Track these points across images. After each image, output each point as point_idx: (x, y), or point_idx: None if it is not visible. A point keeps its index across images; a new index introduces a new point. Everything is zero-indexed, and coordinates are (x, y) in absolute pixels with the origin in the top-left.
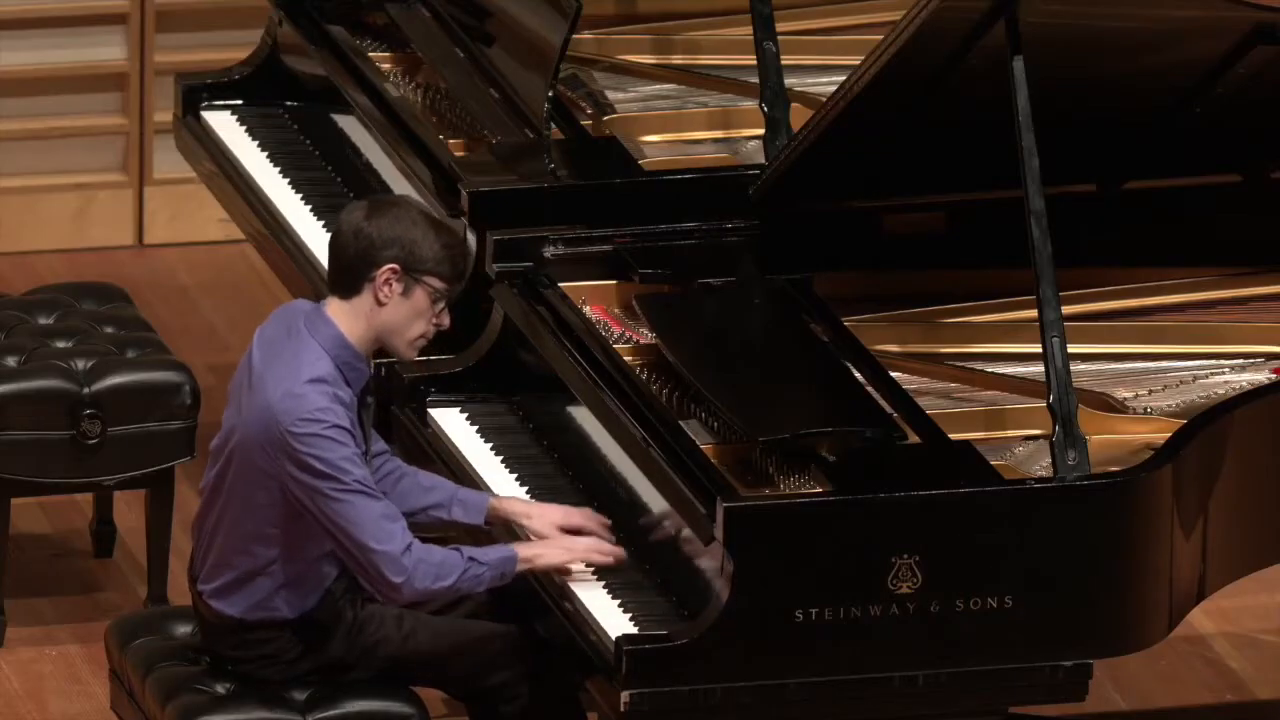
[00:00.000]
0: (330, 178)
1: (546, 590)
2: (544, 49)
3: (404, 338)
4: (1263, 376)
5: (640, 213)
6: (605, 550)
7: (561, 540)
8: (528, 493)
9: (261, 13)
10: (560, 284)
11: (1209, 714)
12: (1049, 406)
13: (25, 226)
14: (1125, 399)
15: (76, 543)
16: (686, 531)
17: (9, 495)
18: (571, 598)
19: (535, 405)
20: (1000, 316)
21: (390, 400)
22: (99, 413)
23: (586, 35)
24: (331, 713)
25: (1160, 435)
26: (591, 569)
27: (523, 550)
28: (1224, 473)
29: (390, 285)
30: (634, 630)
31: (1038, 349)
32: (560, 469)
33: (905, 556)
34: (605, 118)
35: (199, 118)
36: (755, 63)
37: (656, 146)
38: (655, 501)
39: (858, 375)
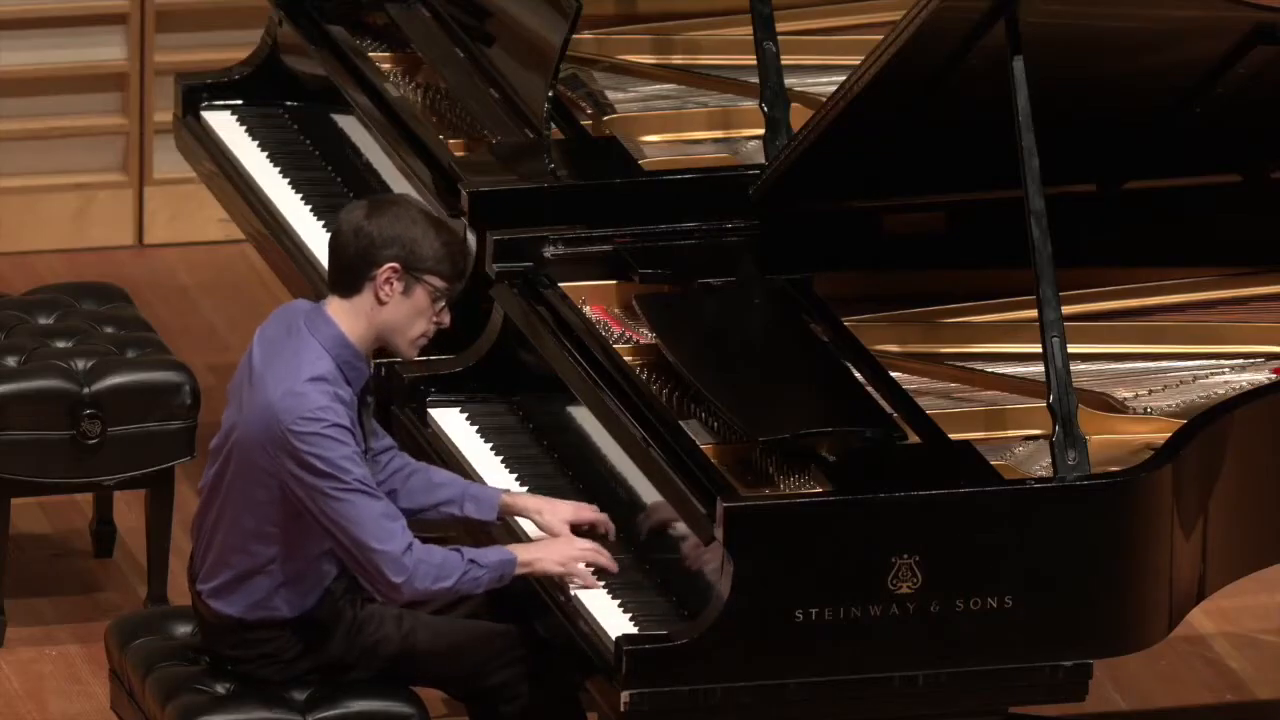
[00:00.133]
0: (330, 178)
1: (546, 590)
2: (544, 49)
3: (405, 336)
4: (1263, 376)
5: (640, 213)
6: (603, 561)
7: (561, 546)
8: (529, 493)
9: (261, 13)
10: (560, 284)
11: (1209, 714)
12: (1049, 406)
13: (25, 226)
14: (1125, 399)
15: (76, 543)
16: (687, 531)
17: (9, 495)
18: (572, 598)
19: (535, 405)
20: (1000, 316)
21: (390, 400)
22: (99, 413)
23: (586, 35)
24: (331, 713)
25: (1160, 435)
26: (591, 569)
27: (522, 554)
28: (1224, 473)
29: (391, 284)
30: (634, 630)
31: (1038, 349)
32: (560, 469)
33: (905, 556)
34: (605, 118)
35: (199, 118)
36: (755, 63)
37: (656, 146)
38: (655, 501)
39: (858, 375)
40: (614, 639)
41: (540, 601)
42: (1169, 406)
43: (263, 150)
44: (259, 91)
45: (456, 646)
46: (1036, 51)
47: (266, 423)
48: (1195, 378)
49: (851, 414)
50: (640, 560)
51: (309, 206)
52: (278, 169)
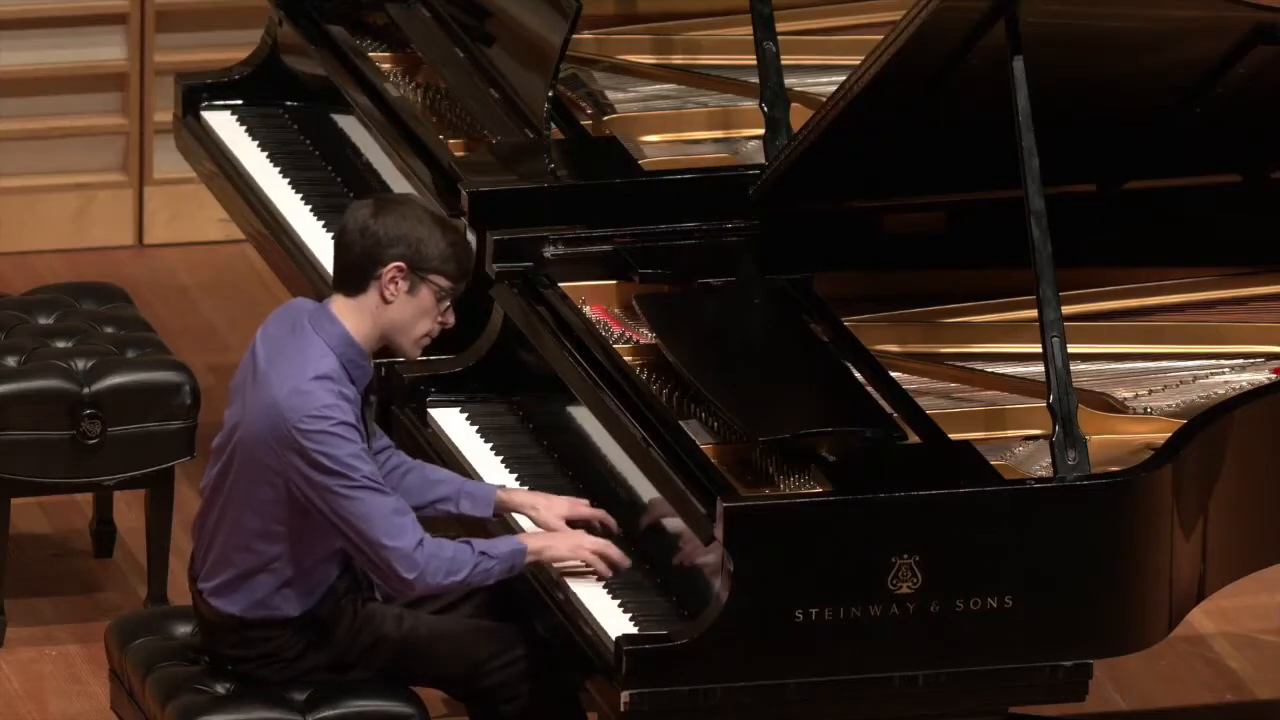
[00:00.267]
0: (330, 178)
1: (546, 590)
2: (544, 49)
3: (409, 336)
4: (1263, 376)
5: (640, 213)
6: (613, 554)
7: (570, 535)
8: (525, 489)
9: (261, 13)
10: (560, 284)
11: (1209, 714)
12: (1049, 406)
13: (25, 226)
14: (1125, 399)
15: (76, 543)
16: (686, 531)
17: (9, 495)
18: (572, 598)
19: (535, 405)
20: (1000, 316)
21: (390, 400)
22: (99, 413)
23: (586, 35)
24: (331, 713)
25: (1160, 435)
26: (591, 568)
27: (531, 543)
28: (1224, 473)
29: (396, 283)
30: (634, 630)
31: (1038, 349)
32: (560, 469)
33: (905, 556)
34: (605, 118)
35: (199, 118)
36: (755, 63)
37: (656, 146)
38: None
39: (858, 375)
40: (614, 639)
41: (540, 601)
42: (1169, 406)
43: (263, 150)
44: (259, 91)
45: (457, 646)
46: (1036, 51)
47: (273, 421)
48: (1195, 378)
49: (851, 414)
50: (640, 560)
51: (309, 206)
52: (278, 169)
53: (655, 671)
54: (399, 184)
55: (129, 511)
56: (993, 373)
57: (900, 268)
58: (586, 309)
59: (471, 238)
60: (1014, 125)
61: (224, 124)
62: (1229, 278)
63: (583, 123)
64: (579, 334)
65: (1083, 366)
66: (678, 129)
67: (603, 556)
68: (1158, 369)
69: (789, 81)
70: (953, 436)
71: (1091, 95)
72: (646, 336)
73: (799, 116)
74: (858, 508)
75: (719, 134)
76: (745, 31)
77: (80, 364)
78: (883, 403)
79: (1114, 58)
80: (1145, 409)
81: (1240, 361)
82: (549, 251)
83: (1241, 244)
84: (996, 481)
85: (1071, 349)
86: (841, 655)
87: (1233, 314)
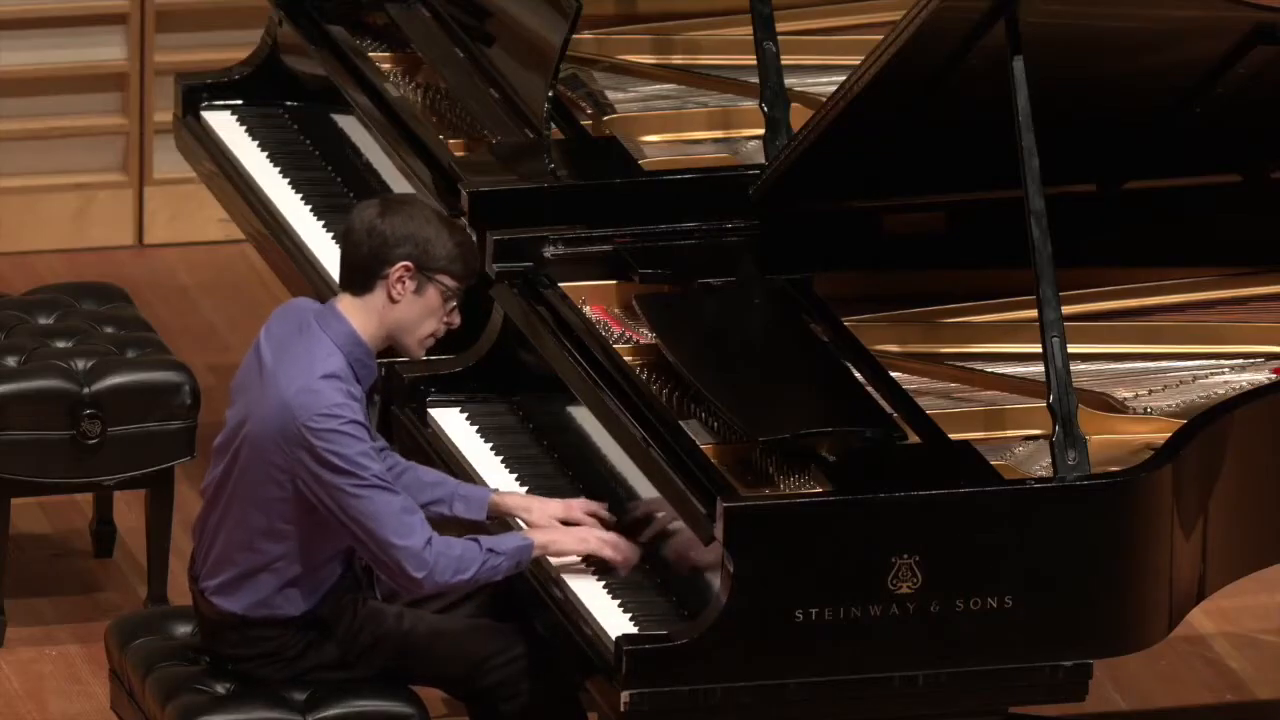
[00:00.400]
0: (330, 178)
1: (547, 590)
2: (544, 49)
3: (414, 336)
4: (1263, 376)
5: (640, 213)
6: (621, 547)
7: (577, 530)
8: (528, 492)
9: (261, 13)
10: (560, 284)
11: (1209, 714)
12: (1049, 406)
13: (25, 226)
14: (1125, 399)
15: (76, 543)
16: (686, 531)
17: (9, 495)
18: (571, 597)
19: (535, 405)
20: (1000, 316)
21: (390, 400)
22: (99, 413)
23: (586, 35)
24: (331, 713)
25: (1160, 435)
26: (592, 568)
27: (538, 537)
28: (1224, 473)
29: (403, 283)
30: (634, 630)
31: (1038, 349)
32: (560, 469)
33: (905, 556)
34: (605, 118)
35: (199, 118)
36: (755, 63)
37: (656, 146)
38: (654, 499)
39: (858, 375)
40: (614, 639)
41: (540, 600)
42: (1169, 406)
43: (263, 150)
44: (259, 91)
45: (457, 645)
46: (1036, 51)
47: (281, 419)
48: (1195, 378)
49: (851, 414)
50: (640, 560)
51: (309, 206)
52: (278, 169)
53: (655, 671)
54: (399, 184)
55: (129, 511)
56: (993, 373)
57: (900, 268)
58: (586, 309)
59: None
60: (1014, 125)
61: (224, 124)
62: (1229, 278)
63: (583, 123)
64: (579, 334)
65: (1083, 366)
66: (678, 129)
67: (612, 546)
68: (1158, 369)
69: (789, 81)
70: (953, 436)
71: (1091, 95)
72: (646, 336)
73: (799, 116)
74: (858, 508)
75: (719, 134)
76: (745, 31)
77: (80, 364)
78: (883, 403)
79: (1114, 58)
80: (1145, 409)
81: (1240, 361)
82: (549, 251)
83: (1241, 244)
84: (996, 481)
85: (1071, 349)
86: (841, 655)
87: (1233, 314)
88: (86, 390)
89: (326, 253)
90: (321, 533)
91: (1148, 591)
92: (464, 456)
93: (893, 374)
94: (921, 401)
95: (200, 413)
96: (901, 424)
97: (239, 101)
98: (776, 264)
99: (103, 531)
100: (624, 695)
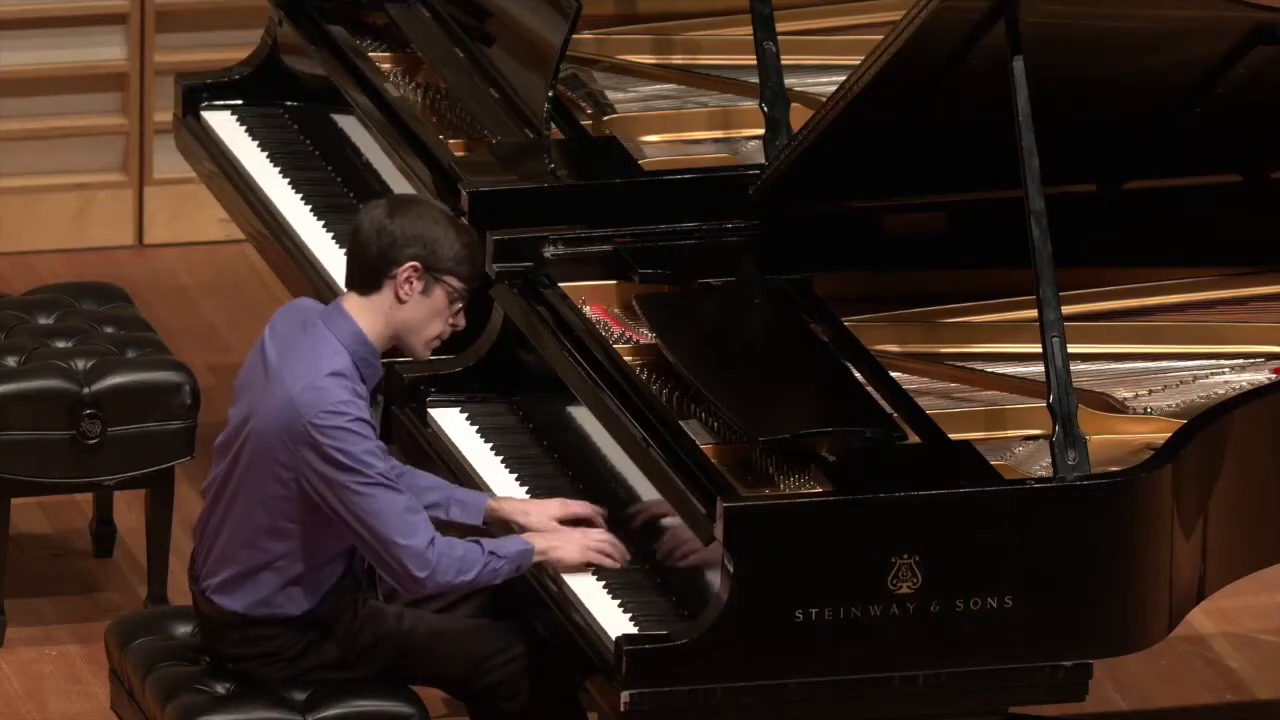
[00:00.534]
0: (330, 178)
1: (546, 590)
2: (544, 49)
3: (420, 336)
4: (1263, 376)
5: (640, 213)
6: (619, 551)
7: (574, 535)
8: (528, 493)
9: (261, 13)
10: (560, 284)
11: (1209, 714)
12: (1049, 406)
13: (25, 226)
14: (1125, 399)
15: (76, 543)
16: (686, 531)
17: (9, 495)
18: (571, 597)
19: (535, 405)
20: (1000, 316)
21: (390, 400)
22: (99, 413)
23: (586, 35)
24: (331, 713)
25: (1160, 435)
26: (591, 568)
27: (539, 543)
28: (1224, 473)
29: (411, 283)
30: (634, 630)
31: (1038, 349)
32: (560, 469)
33: (905, 556)
34: (605, 118)
35: (199, 118)
36: (755, 63)
37: (656, 146)
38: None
39: (858, 375)
40: (614, 639)
41: (540, 600)
42: (1169, 406)
43: (263, 150)
44: (259, 91)
45: (457, 645)
46: (1036, 51)
47: (287, 417)
48: (1195, 378)
49: (851, 414)
50: (640, 560)
51: (309, 206)
52: (278, 169)
53: (655, 671)
54: (399, 184)
55: (129, 511)
56: (993, 373)
57: (900, 268)
58: (586, 309)
59: None
60: (1014, 125)
61: (224, 124)
62: (1229, 278)
63: (583, 123)
64: (579, 334)
65: (1083, 366)
66: (678, 129)
67: (607, 554)
68: (1158, 369)
69: (789, 81)
70: (953, 436)
71: (1091, 95)
72: (646, 336)
73: (799, 116)
74: (858, 508)
75: (719, 134)
76: (745, 31)
77: (80, 364)
78: (883, 403)
79: (1114, 58)
80: (1145, 409)
81: (1240, 361)
82: (549, 251)
83: (1241, 244)
84: (996, 481)
85: (1071, 349)
86: (841, 655)
87: (1233, 314)
88: (86, 390)
89: (326, 253)
90: (324, 532)
91: (1148, 591)
92: (464, 457)
93: (893, 374)
94: (921, 401)
95: (200, 413)
96: (901, 424)
97: (239, 101)
98: (776, 264)
99: (103, 531)
100: (624, 695)
